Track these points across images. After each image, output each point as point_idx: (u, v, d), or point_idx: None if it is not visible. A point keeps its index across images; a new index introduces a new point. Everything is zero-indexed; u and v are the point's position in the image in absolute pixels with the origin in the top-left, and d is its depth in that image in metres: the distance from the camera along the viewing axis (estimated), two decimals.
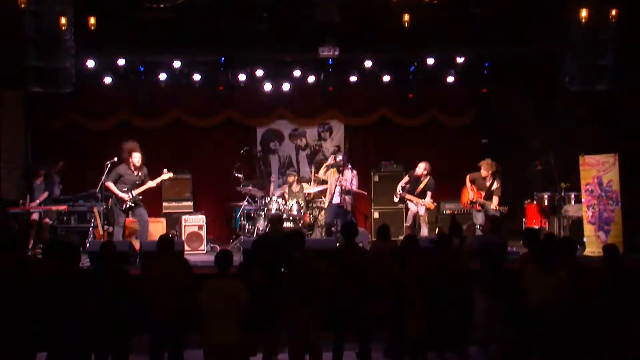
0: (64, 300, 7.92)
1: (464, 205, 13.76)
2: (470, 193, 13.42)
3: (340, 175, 13.62)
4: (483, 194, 13.30)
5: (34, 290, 8.00)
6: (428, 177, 13.71)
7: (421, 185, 13.69)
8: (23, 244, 9.04)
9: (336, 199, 13.64)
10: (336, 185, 13.66)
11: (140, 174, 12.79)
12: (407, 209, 14.30)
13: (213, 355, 7.76)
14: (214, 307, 7.65)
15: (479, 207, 13.32)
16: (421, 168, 13.73)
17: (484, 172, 13.33)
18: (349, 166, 13.96)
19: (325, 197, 14.21)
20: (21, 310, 7.93)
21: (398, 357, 8.71)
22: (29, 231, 12.67)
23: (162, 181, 13.26)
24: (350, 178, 13.67)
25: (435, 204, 13.87)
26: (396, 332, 8.57)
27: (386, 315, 8.82)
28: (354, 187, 13.73)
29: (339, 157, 14.07)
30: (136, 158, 12.71)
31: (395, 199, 14.13)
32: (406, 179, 13.95)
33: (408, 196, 13.78)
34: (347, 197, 13.62)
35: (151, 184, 12.83)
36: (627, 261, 10.78)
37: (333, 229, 13.81)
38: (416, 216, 13.80)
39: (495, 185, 13.24)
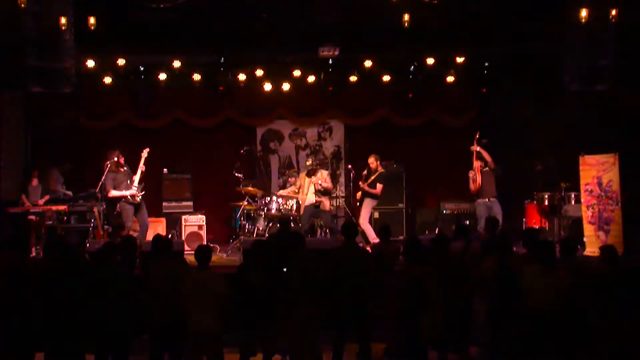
0: (62, 300, 7.94)
1: (474, 190, 13.48)
2: (473, 179, 13.34)
3: (313, 176, 13.67)
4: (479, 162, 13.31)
5: (33, 290, 8.01)
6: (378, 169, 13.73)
7: (372, 177, 13.69)
8: (22, 245, 9.04)
9: (310, 199, 13.65)
10: (309, 187, 13.69)
11: (125, 168, 12.80)
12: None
13: (193, 344, 8.03)
14: (194, 297, 7.98)
15: (478, 169, 13.26)
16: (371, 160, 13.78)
17: (473, 148, 13.37)
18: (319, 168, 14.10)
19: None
20: (20, 311, 7.95)
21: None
22: (30, 232, 12.68)
23: (162, 180, 13.28)
24: (322, 178, 13.72)
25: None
26: (407, 333, 8.54)
27: (390, 315, 8.82)
28: (327, 185, 13.78)
29: (309, 162, 14.17)
30: (122, 159, 12.73)
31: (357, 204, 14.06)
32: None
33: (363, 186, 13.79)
34: (323, 198, 13.67)
35: (140, 168, 12.76)
36: (626, 261, 10.77)
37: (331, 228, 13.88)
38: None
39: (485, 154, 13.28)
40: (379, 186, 13.55)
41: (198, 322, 7.93)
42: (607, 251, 8.73)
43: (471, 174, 13.35)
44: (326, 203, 13.81)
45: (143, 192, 12.75)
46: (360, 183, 13.71)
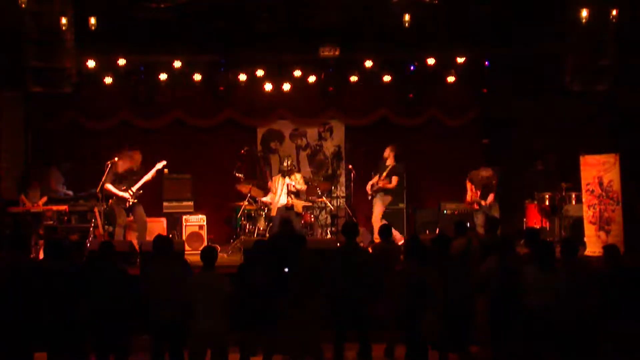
0: (62, 300, 7.94)
1: (467, 205, 13.74)
2: (468, 193, 13.47)
3: (287, 178, 13.70)
4: (479, 192, 13.33)
5: (33, 290, 8.01)
6: (393, 161, 13.78)
7: (385, 172, 13.72)
8: (22, 245, 9.04)
9: (282, 201, 13.66)
10: (282, 188, 13.69)
11: (134, 169, 12.84)
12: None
13: (198, 345, 8.05)
14: (199, 298, 7.98)
15: (477, 207, 13.32)
16: (384, 152, 13.82)
17: (482, 172, 13.38)
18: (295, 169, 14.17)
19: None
20: (19, 311, 7.95)
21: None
22: (30, 232, 12.67)
23: (162, 180, 13.31)
24: (296, 181, 13.75)
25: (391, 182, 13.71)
26: (408, 333, 8.54)
27: (391, 316, 8.83)
28: (301, 187, 13.81)
29: (286, 163, 14.14)
30: (136, 163, 12.76)
31: (370, 197, 14.01)
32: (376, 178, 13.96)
33: (368, 186, 13.80)
34: (294, 199, 13.66)
35: (147, 176, 12.82)
36: (627, 261, 10.75)
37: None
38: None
39: (493, 181, 13.27)
40: (395, 179, 13.60)
41: (203, 322, 7.94)
42: (610, 250, 8.73)
43: (469, 198, 13.44)
44: (298, 205, 13.70)
45: (135, 201, 12.72)
46: (375, 180, 13.72)
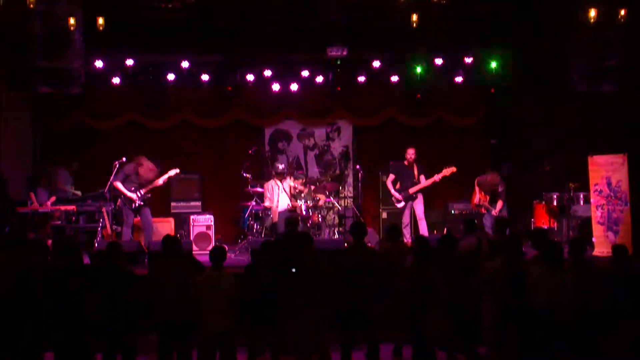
0: (69, 300, 7.96)
1: (473, 208, 13.77)
2: (477, 196, 13.49)
3: (282, 182, 13.71)
4: (488, 197, 13.35)
5: (40, 290, 8.03)
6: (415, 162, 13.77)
7: (416, 172, 13.64)
8: (29, 244, 9.06)
9: (284, 205, 13.65)
10: (279, 193, 13.66)
11: (144, 178, 12.85)
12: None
13: (206, 344, 8.07)
14: (207, 298, 8.00)
15: (484, 211, 13.36)
16: (410, 154, 13.71)
17: (489, 178, 13.39)
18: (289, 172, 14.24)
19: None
20: (27, 311, 7.97)
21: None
22: (38, 232, 12.70)
23: (170, 180, 13.36)
24: (291, 184, 13.78)
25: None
26: (415, 334, 8.53)
27: (398, 316, 8.82)
28: (302, 188, 13.85)
29: (281, 166, 14.20)
30: (144, 171, 12.78)
31: (400, 205, 13.77)
32: (391, 177, 13.87)
33: (413, 189, 13.62)
34: (297, 203, 13.65)
35: (158, 182, 12.86)
36: (636, 261, 10.73)
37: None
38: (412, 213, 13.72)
39: (499, 189, 13.29)
40: (423, 177, 13.57)
41: (211, 322, 7.97)
42: (618, 250, 8.72)
43: (477, 201, 13.47)
44: (302, 207, 13.67)
45: (142, 203, 12.75)
46: (428, 183, 13.58)
